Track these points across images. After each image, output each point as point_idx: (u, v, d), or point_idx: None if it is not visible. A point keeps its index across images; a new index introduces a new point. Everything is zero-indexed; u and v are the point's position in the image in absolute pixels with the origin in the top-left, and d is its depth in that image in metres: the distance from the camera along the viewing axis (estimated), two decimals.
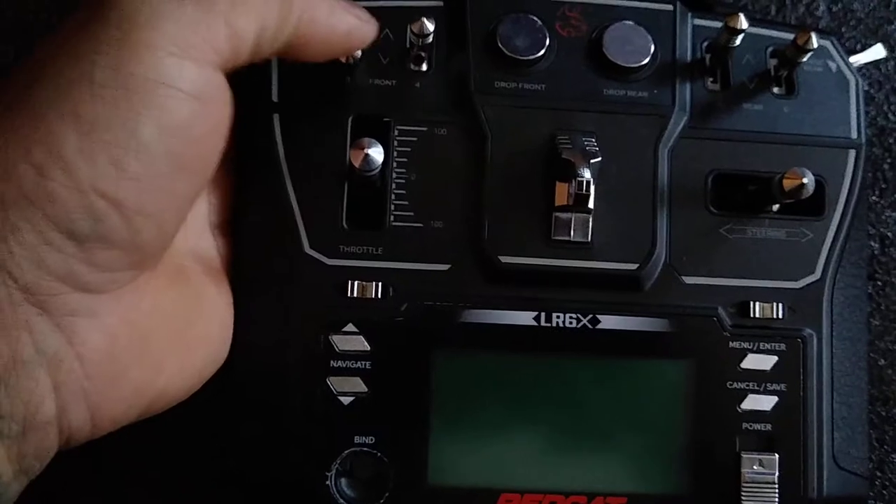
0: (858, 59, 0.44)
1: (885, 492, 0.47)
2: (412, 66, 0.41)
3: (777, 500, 0.38)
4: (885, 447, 0.47)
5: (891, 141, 0.52)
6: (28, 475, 0.31)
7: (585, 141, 0.39)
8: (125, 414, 0.33)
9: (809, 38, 0.40)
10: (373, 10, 0.39)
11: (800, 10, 0.54)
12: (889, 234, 0.50)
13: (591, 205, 0.39)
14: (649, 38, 0.41)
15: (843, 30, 0.54)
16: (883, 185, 0.51)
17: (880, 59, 0.49)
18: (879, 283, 0.49)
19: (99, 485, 0.43)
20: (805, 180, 0.38)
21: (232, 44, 0.32)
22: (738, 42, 0.41)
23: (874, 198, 0.51)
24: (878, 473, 0.47)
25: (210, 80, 0.31)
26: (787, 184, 0.38)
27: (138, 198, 0.30)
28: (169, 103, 0.30)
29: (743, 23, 0.40)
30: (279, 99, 0.40)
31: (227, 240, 0.39)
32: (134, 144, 0.29)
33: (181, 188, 0.32)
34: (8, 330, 0.29)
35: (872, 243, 0.50)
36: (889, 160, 0.52)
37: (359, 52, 0.40)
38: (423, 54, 0.41)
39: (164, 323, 0.34)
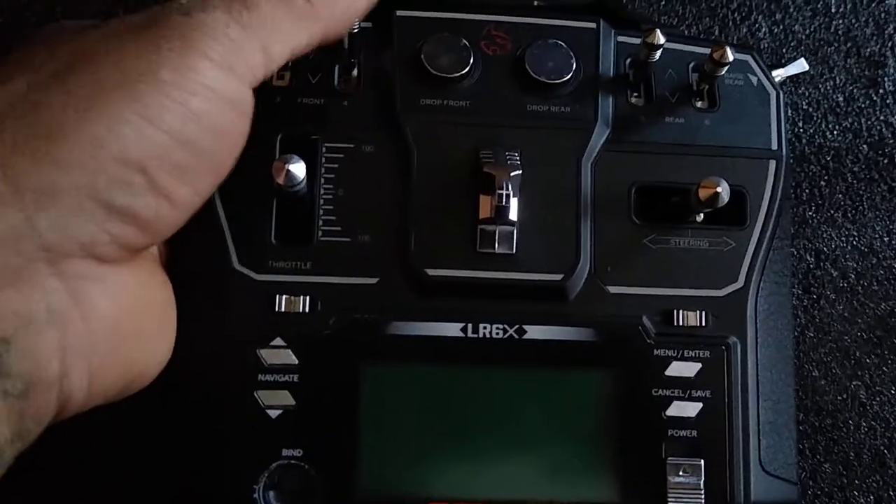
0: (782, 72, 0.45)
1: (817, 501, 0.47)
2: (340, 85, 0.42)
3: None
4: (818, 457, 0.47)
5: (828, 158, 0.53)
6: (24, 441, 0.32)
7: (508, 155, 0.40)
8: (114, 386, 0.35)
9: (724, 51, 0.41)
10: None
11: (742, 30, 0.56)
12: (825, 248, 0.51)
13: (513, 217, 0.40)
14: (571, 54, 0.42)
15: (784, 51, 0.55)
16: (819, 202, 0.52)
17: (803, 73, 0.51)
18: (814, 296, 0.50)
19: (30, 491, 0.43)
20: (719, 189, 0.39)
21: (265, 67, 0.35)
22: (657, 57, 0.42)
23: (810, 213, 0.52)
24: (811, 482, 0.47)
25: (246, 95, 0.35)
26: (703, 193, 0.39)
27: (173, 184, 0.33)
28: (216, 109, 0.34)
29: (660, 38, 0.41)
30: None
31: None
32: (183, 138, 0.33)
33: (204, 185, 0.35)
34: (23, 286, 0.31)
35: (808, 257, 0.51)
36: (826, 177, 0.53)
37: (288, 74, 0.41)
38: (351, 73, 0.42)
39: (153, 302, 0.37)
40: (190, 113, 0.33)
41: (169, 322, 0.38)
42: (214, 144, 0.34)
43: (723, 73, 0.42)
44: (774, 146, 0.43)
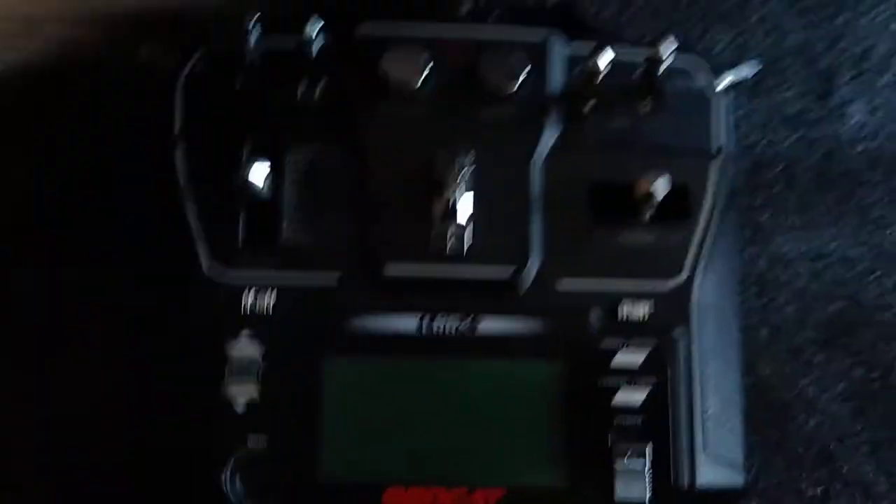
0: (729, 76, 0.47)
1: (769, 492, 0.48)
2: (305, 97, 0.44)
3: (649, 488, 0.40)
4: (770, 451, 0.49)
5: (781, 167, 0.55)
6: None
7: (459, 158, 0.42)
8: None
9: (662, 46, 0.43)
10: (265, 50, 0.44)
11: (702, 45, 0.58)
12: (777, 252, 0.53)
13: (464, 216, 0.42)
14: (523, 64, 0.44)
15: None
16: (772, 208, 0.54)
17: (759, 86, 0.54)
18: (767, 298, 0.52)
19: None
20: (652, 187, 0.41)
21: None
22: (607, 65, 0.44)
23: (764, 219, 0.54)
24: (763, 475, 0.49)
25: None
26: (641, 189, 0.41)
27: None
28: None
29: (609, 56, 0.43)
30: (181, 131, 0.44)
31: None
32: None
33: None
34: None
35: (762, 261, 0.53)
36: (779, 185, 0.55)
37: (255, 88, 0.44)
38: (316, 86, 0.44)
39: None
40: None
41: None
42: None
43: (663, 68, 0.44)
44: (717, 145, 0.45)
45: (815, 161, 0.55)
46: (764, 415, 0.50)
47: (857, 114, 0.56)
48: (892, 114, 0.56)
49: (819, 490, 0.49)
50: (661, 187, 0.41)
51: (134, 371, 0.42)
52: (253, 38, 0.43)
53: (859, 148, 0.56)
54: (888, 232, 0.54)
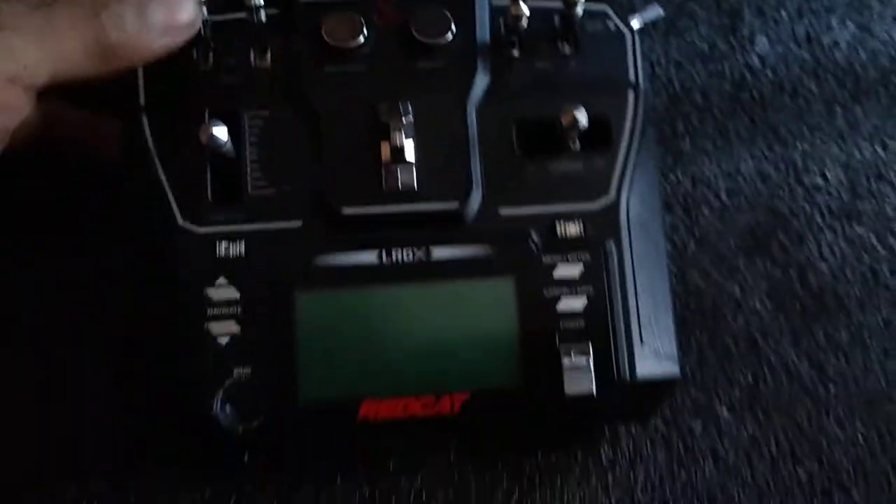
0: (637, 17, 0.52)
1: (705, 384, 0.54)
2: (255, 63, 0.49)
3: (594, 382, 0.45)
4: (703, 348, 0.54)
5: (698, 98, 0.61)
6: None
7: (401, 106, 0.47)
8: None
9: None
10: (218, 24, 0.48)
11: None
12: (699, 173, 0.59)
13: (411, 157, 0.47)
14: (451, 19, 0.49)
15: None
16: (692, 135, 0.60)
17: (670, 26, 0.59)
18: (693, 214, 0.58)
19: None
20: (577, 115, 0.46)
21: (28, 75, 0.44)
22: (527, 14, 0.49)
23: (685, 145, 0.60)
24: (699, 369, 0.54)
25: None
26: (565, 121, 0.46)
27: None
28: None
29: (523, 8, 0.48)
30: (146, 102, 0.48)
31: None
32: None
33: None
34: None
35: (686, 182, 0.59)
36: (697, 114, 0.60)
37: (210, 59, 0.48)
38: (265, 53, 0.49)
39: None
40: None
41: None
42: None
43: (579, 12, 0.49)
44: (632, 79, 0.50)
45: (727, 90, 0.61)
46: (697, 317, 0.55)
47: (761, 46, 0.62)
48: (791, 43, 0.62)
49: (749, 374, 0.54)
50: (582, 119, 0.46)
51: (125, 319, 0.47)
52: (203, 12, 0.48)
53: (765, 75, 0.61)
54: (796, 147, 0.59)
